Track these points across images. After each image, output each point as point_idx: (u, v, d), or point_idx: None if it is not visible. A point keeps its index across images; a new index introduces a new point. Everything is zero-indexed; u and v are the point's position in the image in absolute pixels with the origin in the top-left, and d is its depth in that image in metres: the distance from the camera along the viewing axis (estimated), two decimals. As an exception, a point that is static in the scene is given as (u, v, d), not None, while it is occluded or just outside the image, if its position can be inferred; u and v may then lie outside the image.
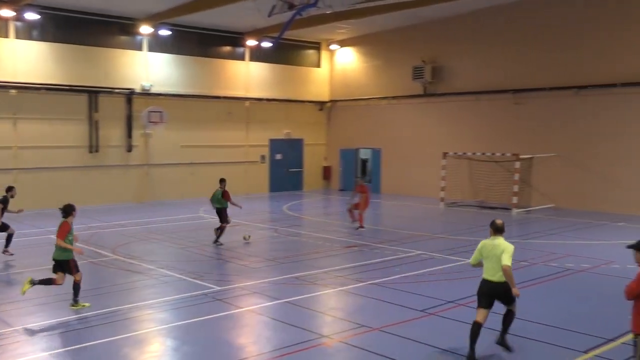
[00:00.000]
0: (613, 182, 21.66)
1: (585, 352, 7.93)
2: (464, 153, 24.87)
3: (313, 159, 31.56)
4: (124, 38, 24.79)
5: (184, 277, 12.06)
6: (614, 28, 21.49)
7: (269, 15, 18.22)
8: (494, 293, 7.64)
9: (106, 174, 24.47)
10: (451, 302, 10.25)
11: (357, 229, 18.09)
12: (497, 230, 7.77)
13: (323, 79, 31.75)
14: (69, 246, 9.74)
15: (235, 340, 8.73)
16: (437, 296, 10.57)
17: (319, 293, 11.07)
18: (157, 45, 25.62)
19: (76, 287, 9.89)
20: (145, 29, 24.67)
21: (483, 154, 24.14)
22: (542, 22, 23.40)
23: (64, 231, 9.76)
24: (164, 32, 25.30)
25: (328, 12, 18.45)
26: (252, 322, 9.53)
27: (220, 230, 15.78)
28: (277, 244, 16.28)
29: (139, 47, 25.14)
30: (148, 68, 25.30)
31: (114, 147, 24.60)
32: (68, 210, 10.00)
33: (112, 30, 24.48)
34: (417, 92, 27.58)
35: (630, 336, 6.81)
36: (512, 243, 7.72)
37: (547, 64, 23.24)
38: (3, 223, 13.86)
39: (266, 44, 28.13)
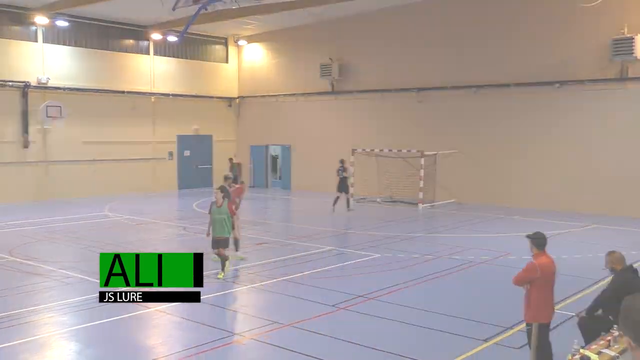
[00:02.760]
0: (508, 177, 22.86)
1: (485, 340, 8.35)
2: (372, 150, 25.42)
3: (223, 156, 31.17)
4: (16, 28, 23.44)
5: (88, 278, 11.56)
6: (509, 32, 22.66)
7: (174, 9, 17.75)
8: None
9: (-1, 171, 23.10)
10: (361, 296, 10.45)
11: None
12: None
13: (231, 75, 31.40)
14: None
15: (144, 342, 8.51)
16: (347, 291, 10.74)
17: (230, 291, 10.98)
18: (54, 36, 24.44)
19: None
20: (41, 20, 23.42)
21: (390, 150, 24.79)
22: (444, 24, 24.29)
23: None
24: (62, 23, 24.17)
25: (234, 7, 18.24)
26: (161, 322, 9.31)
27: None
28: (185, 243, 15.97)
29: (33, 39, 23.88)
30: (44, 60, 24.05)
31: (8, 143, 23.24)
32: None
33: (3, 20, 23.07)
34: (325, 90, 27.89)
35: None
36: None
37: (448, 63, 24.14)
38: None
39: (171, 39, 27.47)
